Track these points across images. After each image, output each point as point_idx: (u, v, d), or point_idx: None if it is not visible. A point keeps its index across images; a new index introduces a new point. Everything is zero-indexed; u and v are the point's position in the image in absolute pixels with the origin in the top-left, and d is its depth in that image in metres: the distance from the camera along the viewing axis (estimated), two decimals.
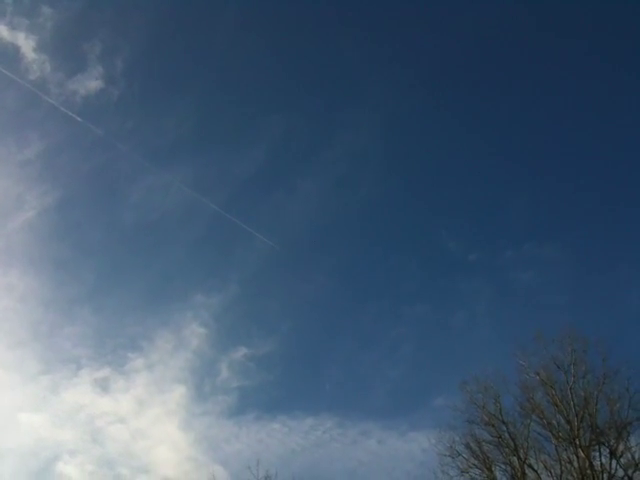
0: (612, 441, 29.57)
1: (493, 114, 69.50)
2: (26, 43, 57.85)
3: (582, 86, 64.74)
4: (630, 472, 28.78)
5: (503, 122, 69.06)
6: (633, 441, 29.64)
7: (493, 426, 32.25)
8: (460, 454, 32.33)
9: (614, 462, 29.15)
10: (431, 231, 65.01)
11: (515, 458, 31.11)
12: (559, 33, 64.77)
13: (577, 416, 30.24)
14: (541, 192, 64.08)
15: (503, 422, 32.16)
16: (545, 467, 30.60)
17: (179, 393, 54.30)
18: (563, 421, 30.77)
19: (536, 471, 30.52)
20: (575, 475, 29.27)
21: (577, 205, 62.70)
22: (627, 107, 62.70)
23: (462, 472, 31.92)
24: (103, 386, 56.41)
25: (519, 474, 30.65)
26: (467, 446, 32.34)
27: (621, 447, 29.46)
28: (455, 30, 66.47)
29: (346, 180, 69.92)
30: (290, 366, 60.80)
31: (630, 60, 62.57)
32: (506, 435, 31.85)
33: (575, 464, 29.46)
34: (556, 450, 30.66)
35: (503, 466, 31.53)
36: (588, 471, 28.92)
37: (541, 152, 66.63)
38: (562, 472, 29.90)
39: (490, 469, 31.51)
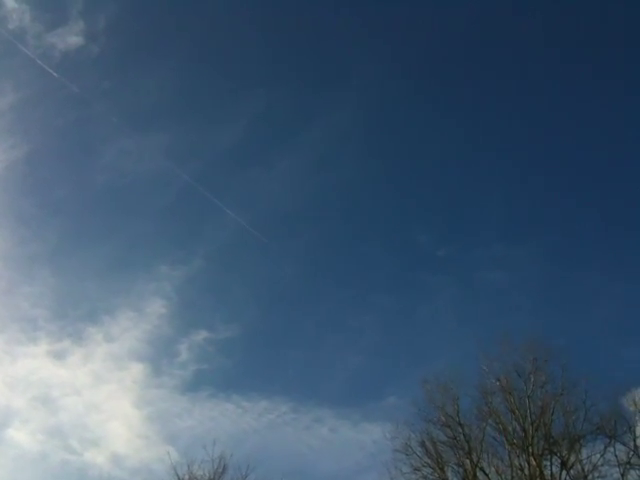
0: (564, 452, 30.11)
1: (475, 111, 69.44)
2: None
3: (562, 90, 65.04)
4: None
5: (484, 120, 69.02)
6: (585, 454, 30.32)
7: (449, 427, 32.50)
8: (414, 452, 32.56)
9: (564, 473, 29.71)
10: (403, 223, 64.94)
11: (468, 460, 31.43)
12: (547, 33, 64.70)
13: (532, 424, 30.63)
14: (515, 193, 64.40)
15: (459, 424, 32.42)
16: (497, 472, 31.02)
17: (136, 371, 53.64)
18: (518, 428, 31.15)
19: (487, 475, 30.91)
20: None
21: (550, 209, 63.18)
22: (604, 111, 63.23)
23: (415, 470, 32.14)
24: (60, 357, 55.58)
25: (470, 476, 30.99)
26: (422, 444, 32.55)
27: (572, 458, 30.04)
28: (447, 19, 65.74)
29: (323, 163, 69.27)
30: (250, 350, 60.45)
31: (611, 63, 62.98)
32: (461, 437, 32.16)
33: (526, 471, 29.89)
34: (509, 456, 31.06)
35: (455, 467, 31.93)
36: (538, 479, 29.39)
37: (518, 153, 66.91)
38: (513, 478, 30.34)
39: (442, 469, 31.81)
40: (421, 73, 69.66)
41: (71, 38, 58.75)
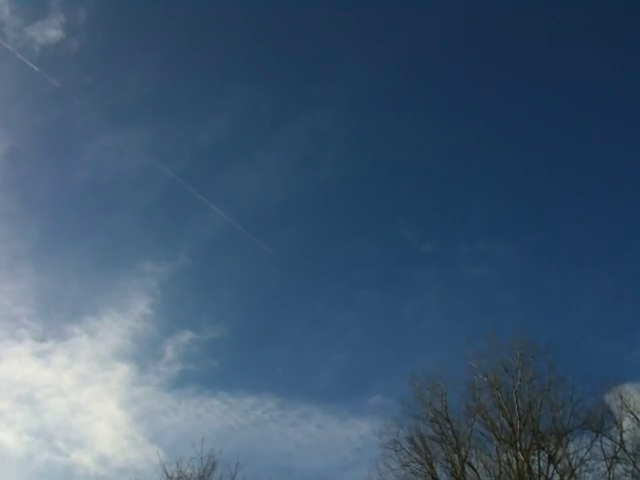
0: (552, 446, 30.36)
1: (461, 108, 69.76)
2: None
3: (546, 90, 65.53)
4: (566, 478, 29.65)
5: (469, 117, 69.46)
6: (572, 448, 30.65)
7: (438, 423, 32.63)
8: (403, 448, 32.63)
9: (552, 467, 29.95)
10: (389, 218, 65.00)
11: (456, 456, 31.56)
12: (539, 30, 64.94)
13: (520, 420, 30.82)
14: (500, 189, 64.91)
15: (448, 420, 32.55)
16: (485, 467, 31.27)
17: (122, 372, 53.19)
18: (506, 423, 31.35)
19: (476, 470, 31.09)
20: (513, 477, 29.93)
21: (534, 205, 63.75)
22: (590, 112, 63.81)
23: (403, 465, 32.24)
24: (45, 357, 55.06)
25: (459, 471, 31.14)
26: (411, 440, 32.64)
27: (560, 453, 30.33)
28: (432, 17, 65.91)
29: (308, 159, 69.33)
30: (236, 348, 60.24)
31: (607, 63, 63.48)
32: (449, 432, 32.29)
33: (514, 466, 30.09)
34: (497, 451, 31.36)
35: (444, 463, 32.04)
36: (526, 474, 29.60)
37: (503, 150, 67.41)
38: (501, 473, 30.55)
39: (431, 465, 31.92)
40: (406, 70, 69.95)
41: (51, 32, 58.15)
